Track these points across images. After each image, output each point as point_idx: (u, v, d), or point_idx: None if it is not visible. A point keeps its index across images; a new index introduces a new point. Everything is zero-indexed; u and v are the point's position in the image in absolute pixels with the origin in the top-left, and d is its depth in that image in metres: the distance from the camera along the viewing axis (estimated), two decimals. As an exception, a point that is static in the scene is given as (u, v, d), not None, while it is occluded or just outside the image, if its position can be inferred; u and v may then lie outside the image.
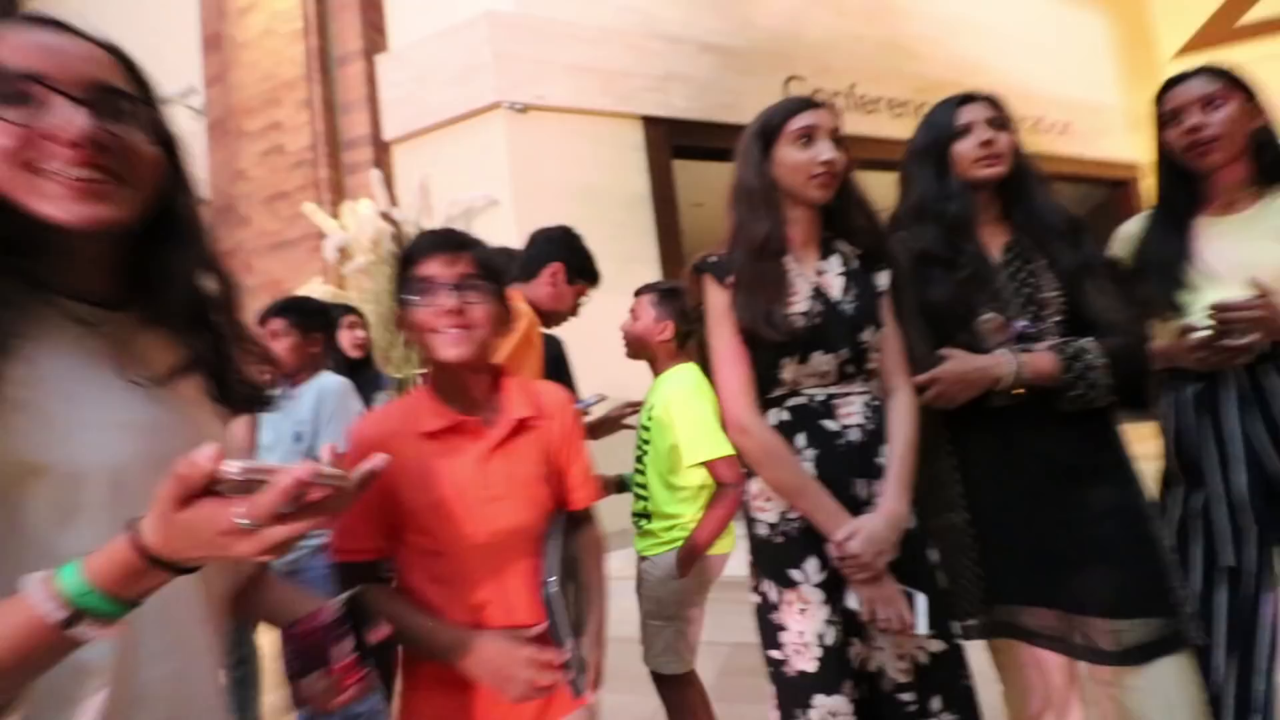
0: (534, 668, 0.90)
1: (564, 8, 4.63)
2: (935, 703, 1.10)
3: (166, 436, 0.63)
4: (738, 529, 1.51)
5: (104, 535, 0.52)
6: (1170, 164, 1.36)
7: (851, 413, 1.16)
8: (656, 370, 1.83)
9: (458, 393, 1.00)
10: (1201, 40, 9.40)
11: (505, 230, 4.10)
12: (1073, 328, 1.24)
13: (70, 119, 0.58)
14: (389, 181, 4.67)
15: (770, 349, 1.16)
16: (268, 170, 5.03)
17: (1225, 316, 1.17)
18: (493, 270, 0.98)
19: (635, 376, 1.87)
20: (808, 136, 1.16)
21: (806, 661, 1.11)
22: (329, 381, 2.08)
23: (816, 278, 1.20)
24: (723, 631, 2.07)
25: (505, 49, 4.39)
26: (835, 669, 1.10)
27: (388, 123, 4.76)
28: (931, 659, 1.12)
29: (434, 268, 0.95)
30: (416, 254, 0.97)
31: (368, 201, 4.46)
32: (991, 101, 1.30)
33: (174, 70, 5.42)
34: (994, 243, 1.29)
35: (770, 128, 1.19)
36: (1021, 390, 1.20)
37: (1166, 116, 1.34)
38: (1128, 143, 6.86)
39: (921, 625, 1.08)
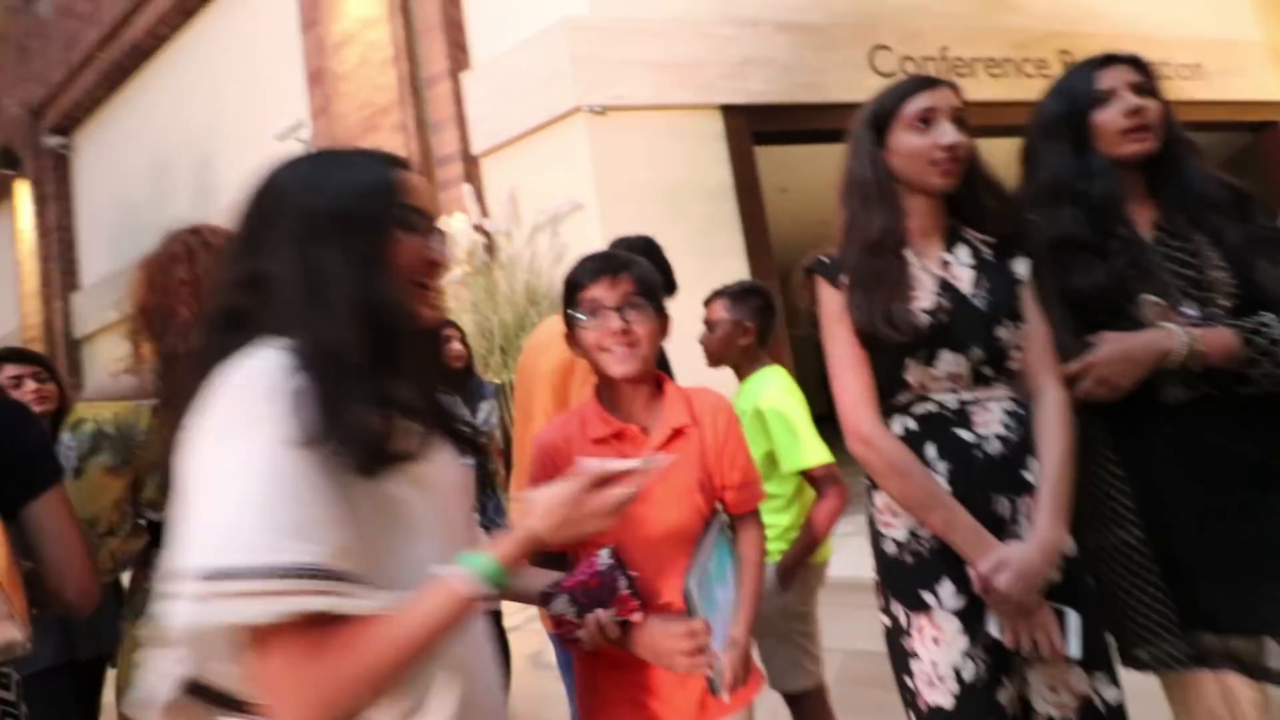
0: (688, 640, 0.96)
1: (637, 5, 4.63)
2: None
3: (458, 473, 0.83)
4: (842, 541, 1.43)
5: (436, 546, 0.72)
6: None
7: (989, 420, 1.04)
8: (741, 375, 1.79)
9: (621, 403, 1.09)
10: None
11: (591, 233, 4.17)
12: (1246, 313, 1.08)
13: None
14: (479, 194, 4.86)
15: (892, 350, 1.06)
16: None
17: None
18: (652, 288, 1.07)
19: (728, 376, 1.86)
20: (926, 120, 1.08)
21: (941, 695, 1.01)
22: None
23: (942, 270, 1.09)
24: (835, 638, 1.97)
25: (582, 52, 4.45)
26: (978, 708, 0.99)
27: (476, 137, 4.93)
28: (1106, 709, 1.00)
29: (599, 290, 1.05)
30: (581, 278, 1.07)
31: (461, 215, 4.66)
32: (1138, 64, 1.17)
33: (284, 106, 5.85)
34: (1143, 222, 1.15)
35: (884, 112, 1.11)
36: (1196, 372, 1.06)
37: None
38: (1269, 80, 6.12)
39: (1074, 647, 0.97)
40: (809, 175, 5.51)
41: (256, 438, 0.59)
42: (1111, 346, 1.07)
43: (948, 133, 1.07)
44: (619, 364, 1.04)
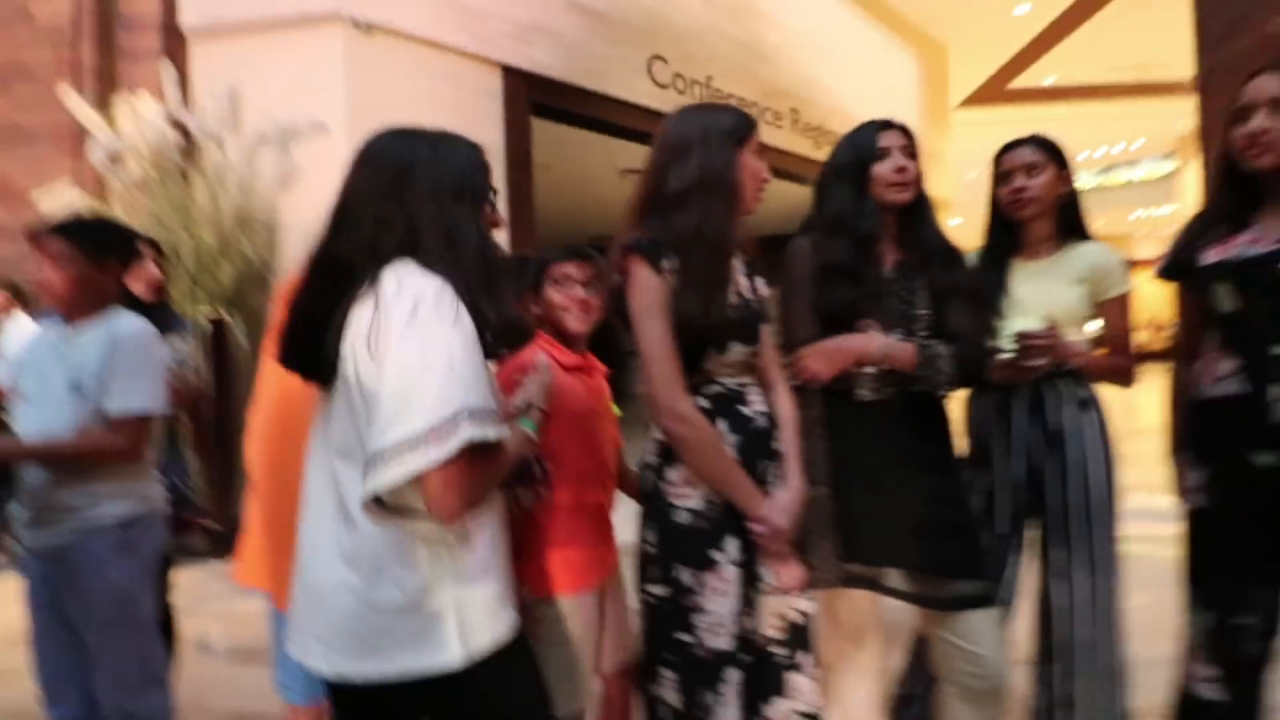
0: None
1: (425, -77, 4.11)
2: (800, 655, 1.24)
3: None
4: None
5: None
6: (997, 214, 1.66)
7: (757, 400, 1.28)
8: None
9: (571, 346, 1.42)
10: (979, 97, 10.97)
11: (333, 162, 3.57)
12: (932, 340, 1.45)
13: None
14: (184, 80, 3.86)
15: (699, 339, 1.21)
16: (4, 34, 3.92)
17: (1025, 343, 1.48)
18: (601, 276, 1.39)
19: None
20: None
21: (722, 639, 1.19)
22: (127, 325, 1.62)
23: (739, 274, 1.29)
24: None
25: (352, -48, 3.79)
26: (746, 643, 1.21)
27: (186, 6, 3.92)
28: (804, 617, 1.26)
29: (571, 269, 1.40)
30: (555, 257, 1.42)
31: (151, 101, 3.64)
32: (905, 130, 1.43)
33: None
34: (888, 260, 1.44)
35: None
36: (884, 376, 1.37)
37: (999, 176, 1.63)
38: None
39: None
40: (575, 158, 5.47)
41: (448, 326, 0.89)
42: (821, 344, 1.36)
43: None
44: (578, 323, 1.41)
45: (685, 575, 1.21)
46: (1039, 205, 1.59)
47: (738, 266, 1.29)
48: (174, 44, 3.94)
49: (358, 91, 3.78)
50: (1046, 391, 1.58)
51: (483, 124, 4.23)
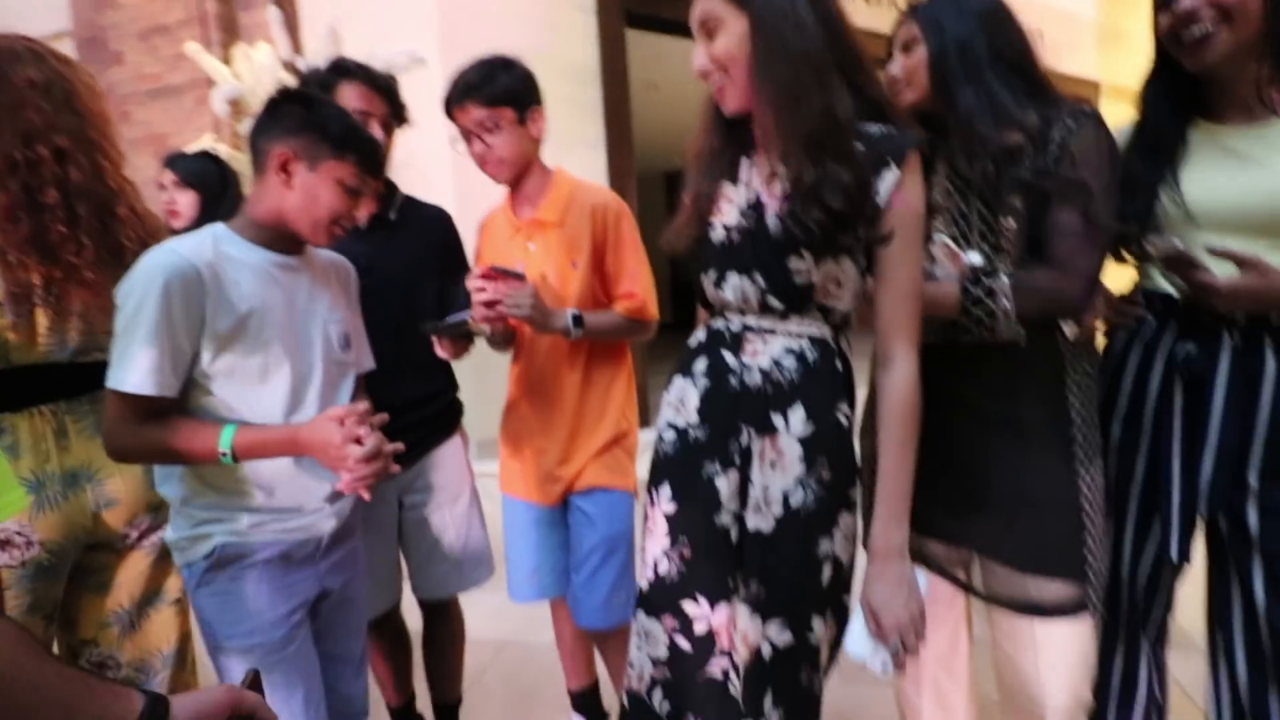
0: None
1: None
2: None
3: None
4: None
5: None
6: (1164, 56, 1.12)
7: (761, 351, 1.01)
8: None
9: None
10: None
11: (430, 95, 3.60)
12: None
13: None
14: (293, 24, 4.01)
15: (692, 268, 1.08)
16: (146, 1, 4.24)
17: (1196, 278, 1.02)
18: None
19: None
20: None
21: (643, 579, 1.10)
22: None
23: (765, 184, 1.01)
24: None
25: None
26: (663, 598, 1.06)
27: None
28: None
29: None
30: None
31: (266, 47, 3.82)
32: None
33: None
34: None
35: None
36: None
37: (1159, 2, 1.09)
38: (1095, 59, 6.64)
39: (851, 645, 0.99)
40: (682, 74, 5.16)
41: None
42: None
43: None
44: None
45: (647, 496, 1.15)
46: (1232, 42, 1.03)
47: (781, 169, 0.99)
48: None
49: (450, 19, 3.73)
50: (1263, 357, 1.06)
51: (577, 42, 4.04)
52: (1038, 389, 1.12)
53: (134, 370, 1.01)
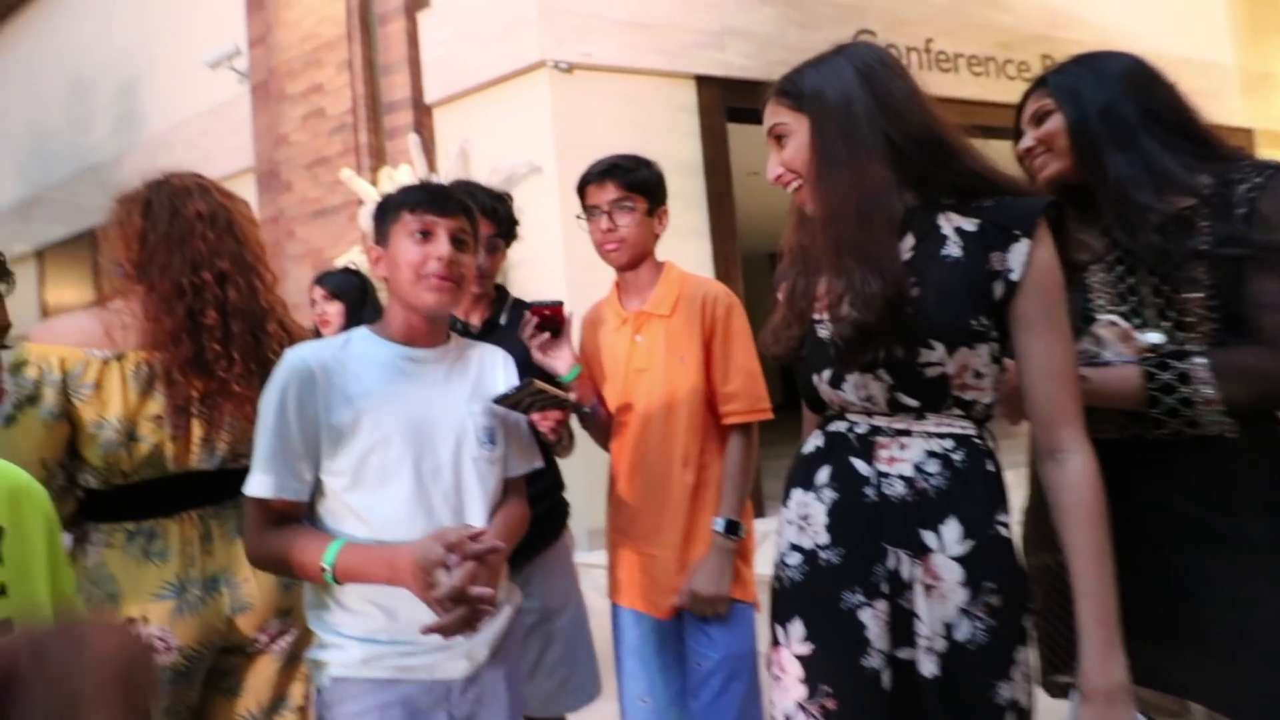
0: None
1: (613, -43, 4.33)
2: None
3: None
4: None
5: None
6: None
7: (900, 457, 0.90)
8: None
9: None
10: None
11: (548, 199, 3.87)
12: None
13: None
14: (430, 146, 4.50)
15: (802, 365, 0.99)
16: (309, 134, 4.91)
17: None
18: None
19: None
20: None
21: None
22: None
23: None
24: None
25: (551, 3, 4.13)
26: None
27: (430, 84, 4.55)
28: None
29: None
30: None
31: (407, 168, 4.32)
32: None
33: (218, 30, 5.34)
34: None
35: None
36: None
37: None
38: (1243, 106, 6.17)
39: None
40: (781, 160, 5.28)
41: None
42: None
43: None
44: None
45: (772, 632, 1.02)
46: None
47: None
48: (423, 118, 4.60)
49: (562, 129, 4.05)
50: None
51: (680, 139, 4.26)
52: (1258, 493, 0.95)
53: (255, 473, 0.99)
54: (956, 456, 0.87)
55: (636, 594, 1.43)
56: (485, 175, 4.17)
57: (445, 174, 4.25)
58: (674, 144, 4.23)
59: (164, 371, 1.18)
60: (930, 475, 0.87)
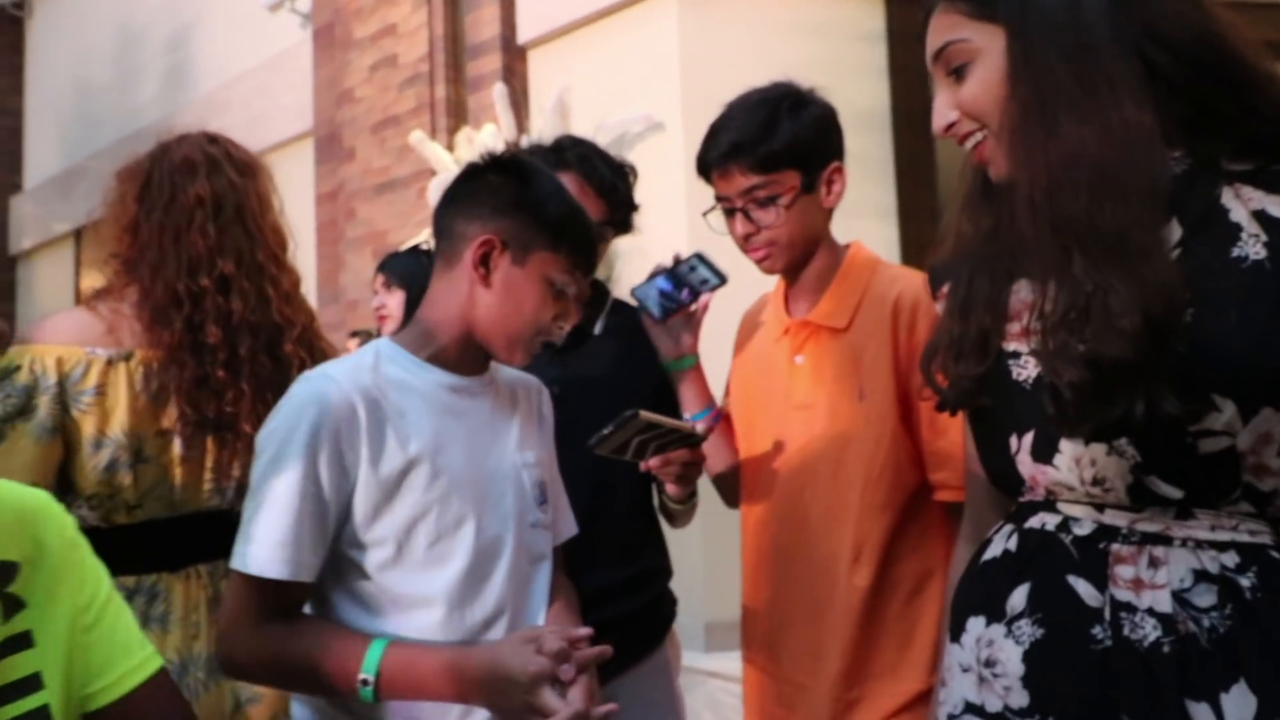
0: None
1: None
2: None
3: None
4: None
5: None
6: None
7: (1152, 580, 0.62)
8: None
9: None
10: None
11: (672, 163, 3.05)
12: None
13: None
14: (522, 98, 3.74)
15: (988, 424, 0.75)
16: (377, 88, 4.26)
17: None
18: None
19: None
20: None
21: None
22: None
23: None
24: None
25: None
26: None
27: (524, 19, 3.76)
28: None
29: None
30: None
31: (491, 128, 3.52)
32: None
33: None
34: None
35: None
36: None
37: None
38: None
39: None
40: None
41: None
42: None
43: None
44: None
45: None
46: None
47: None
48: (514, 63, 3.84)
49: (695, 71, 3.20)
50: None
51: (862, 80, 3.34)
52: None
53: (260, 543, 0.81)
54: (1245, 581, 0.62)
55: None
56: (589, 135, 3.32)
57: (539, 133, 3.42)
58: (851, 88, 3.22)
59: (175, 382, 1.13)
60: (1203, 611, 0.62)
